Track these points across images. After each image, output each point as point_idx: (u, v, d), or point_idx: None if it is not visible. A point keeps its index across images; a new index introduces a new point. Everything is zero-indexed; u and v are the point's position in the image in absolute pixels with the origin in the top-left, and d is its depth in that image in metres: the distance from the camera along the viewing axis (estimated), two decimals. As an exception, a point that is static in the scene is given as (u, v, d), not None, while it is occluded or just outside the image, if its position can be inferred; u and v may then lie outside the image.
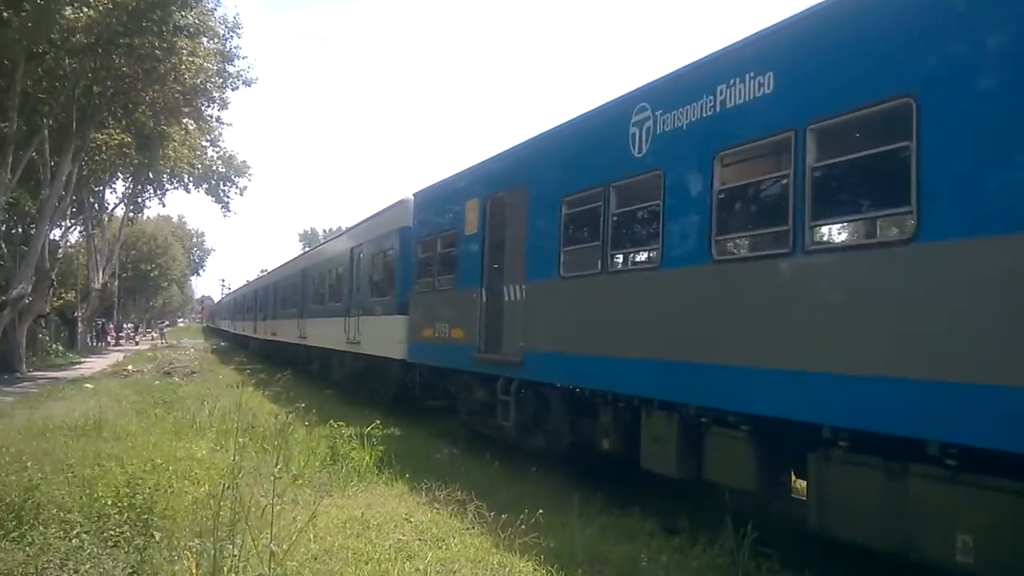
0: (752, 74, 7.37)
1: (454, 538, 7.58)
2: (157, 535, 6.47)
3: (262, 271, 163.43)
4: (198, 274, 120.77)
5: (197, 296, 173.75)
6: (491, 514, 8.03)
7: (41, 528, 6.72)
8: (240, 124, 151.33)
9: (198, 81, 31.15)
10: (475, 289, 13.13)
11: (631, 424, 9.53)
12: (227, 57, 34.35)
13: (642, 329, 8.86)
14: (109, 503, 7.21)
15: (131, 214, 53.48)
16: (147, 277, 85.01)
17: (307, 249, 48.55)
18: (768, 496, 7.97)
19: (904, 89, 5.89)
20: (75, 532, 6.64)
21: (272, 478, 7.01)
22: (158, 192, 47.84)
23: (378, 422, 10.93)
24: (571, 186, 10.46)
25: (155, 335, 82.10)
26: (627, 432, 9.62)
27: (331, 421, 11.35)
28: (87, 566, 5.97)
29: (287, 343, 33.94)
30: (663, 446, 8.77)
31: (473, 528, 7.96)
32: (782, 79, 7.08)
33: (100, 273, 47.60)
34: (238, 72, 35.33)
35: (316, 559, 6.18)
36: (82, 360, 40.61)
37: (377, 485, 9.99)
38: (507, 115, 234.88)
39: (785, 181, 6.90)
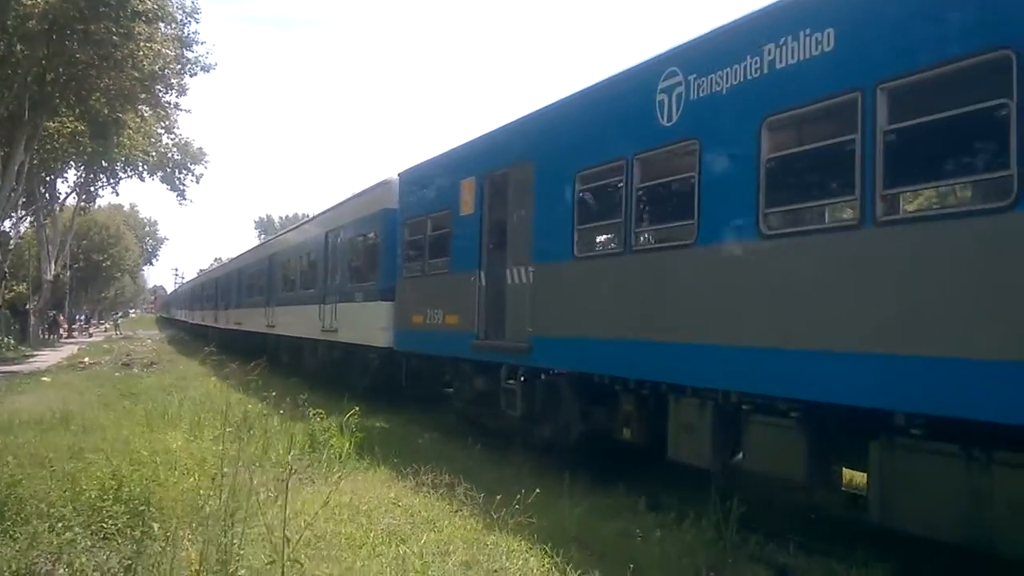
0: (808, 31, 6.78)
1: (445, 520, 7.55)
2: (155, 526, 6.30)
3: (216, 260, 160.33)
4: (151, 264, 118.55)
5: (150, 286, 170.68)
6: (480, 496, 7.96)
7: (27, 523, 6.55)
8: (196, 111, 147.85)
9: (156, 67, 30.77)
10: (472, 272, 12.44)
11: (656, 412, 8.96)
12: (185, 43, 34.04)
13: (674, 311, 8.26)
14: (94, 496, 7.09)
15: (83, 203, 52.18)
16: (99, 268, 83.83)
17: (271, 235, 47.15)
18: (816, 487, 7.44)
19: (1001, 42, 5.34)
20: (67, 526, 6.51)
21: (269, 465, 7.44)
22: (111, 181, 47.05)
23: (356, 409, 10.78)
24: (586, 160, 9.80)
25: (108, 326, 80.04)
26: (651, 421, 9.05)
27: (310, 409, 11.04)
28: (83, 559, 5.84)
29: (253, 332, 32.86)
30: (695, 436, 8.21)
31: (463, 510, 7.91)
32: (845, 36, 6.49)
33: (52, 264, 46.08)
34: (196, 58, 35.10)
35: (309, 545, 6.06)
36: (35, 353, 39.28)
37: (359, 471, 9.80)
38: (472, 108, 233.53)
39: (851, 147, 6.32)
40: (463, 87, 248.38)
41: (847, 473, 8.06)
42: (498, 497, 7.45)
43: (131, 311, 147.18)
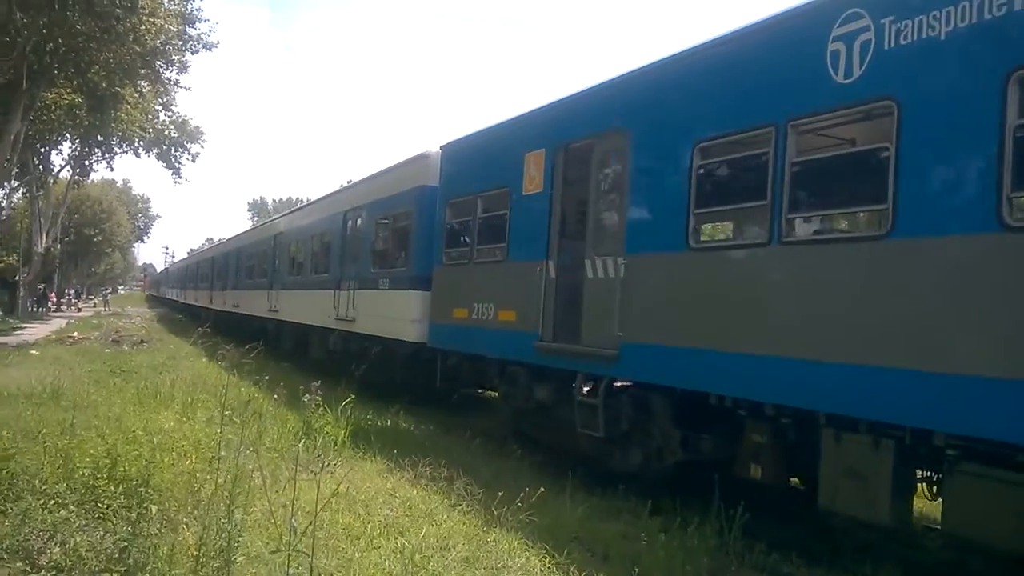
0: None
1: (443, 514, 7.45)
2: (153, 508, 6.08)
3: (208, 240, 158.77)
4: (142, 241, 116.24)
5: (139, 263, 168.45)
6: (480, 491, 7.93)
7: (19, 499, 6.39)
8: (195, 90, 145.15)
9: (158, 42, 30.19)
10: (538, 262, 10.53)
11: (799, 447, 7.12)
12: (188, 19, 33.40)
13: (851, 323, 6.36)
14: (87, 474, 6.97)
15: (78, 177, 50.82)
16: (90, 242, 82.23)
17: (269, 216, 44.97)
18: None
19: None
20: (61, 503, 6.37)
21: (263, 450, 7.32)
22: (106, 155, 46.01)
23: (352, 397, 10.41)
24: (711, 127, 7.90)
25: (97, 302, 78.10)
26: (792, 457, 7.21)
27: (307, 396, 9.68)
28: (77, 538, 5.73)
29: (253, 316, 30.86)
30: (866, 483, 6.34)
31: (461, 504, 7.79)
32: None
33: (43, 237, 44.05)
34: (199, 35, 34.51)
35: (305, 534, 5.51)
36: (24, 326, 37.77)
37: (355, 460, 9.57)
38: (474, 98, 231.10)
39: None
40: (463, 75, 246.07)
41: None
42: (500, 494, 7.28)
43: (120, 288, 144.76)
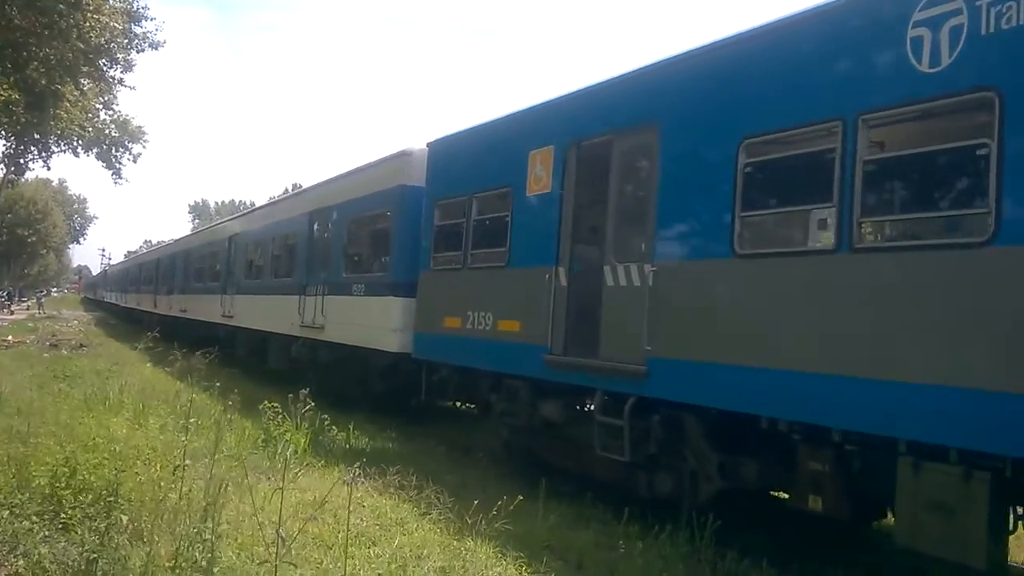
0: None
1: (414, 523, 7.41)
2: (124, 518, 5.89)
3: (146, 242, 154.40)
4: (78, 242, 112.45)
5: (74, 265, 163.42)
6: (450, 499, 7.84)
7: None
8: (138, 89, 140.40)
9: (102, 40, 29.32)
10: (546, 268, 9.72)
11: (867, 476, 6.44)
12: (134, 17, 32.70)
13: (948, 342, 5.68)
14: (43, 483, 6.72)
15: (12, 176, 48.40)
16: (23, 243, 79.33)
17: (230, 216, 43.14)
18: None
19: None
20: (22, 513, 6.17)
21: (222, 458, 7.17)
22: (43, 154, 43.55)
23: (312, 404, 9.48)
24: (760, 121, 7.17)
25: (31, 304, 75.17)
26: (859, 487, 6.52)
27: (267, 401, 9.98)
28: (41, 550, 5.57)
29: (202, 322, 29.45)
30: (955, 521, 5.67)
31: (431, 512, 7.68)
32: None
33: (-26, 238, 41.76)
34: (144, 33, 33.86)
35: (273, 544, 5.44)
36: None
37: (316, 468, 9.39)
38: (427, 107, 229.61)
39: None
40: (412, 83, 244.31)
41: None
42: (475, 502, 7.08)
43: (53, 290, 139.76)
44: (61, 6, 25.28)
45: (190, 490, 6.28)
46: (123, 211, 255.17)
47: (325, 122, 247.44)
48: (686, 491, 8.05)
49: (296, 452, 9.66)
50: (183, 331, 31.46)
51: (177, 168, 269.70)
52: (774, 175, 7.24)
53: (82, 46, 28.00)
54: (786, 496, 7.84)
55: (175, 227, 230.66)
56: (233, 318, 25.04)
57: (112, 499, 6.32)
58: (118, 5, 30.62)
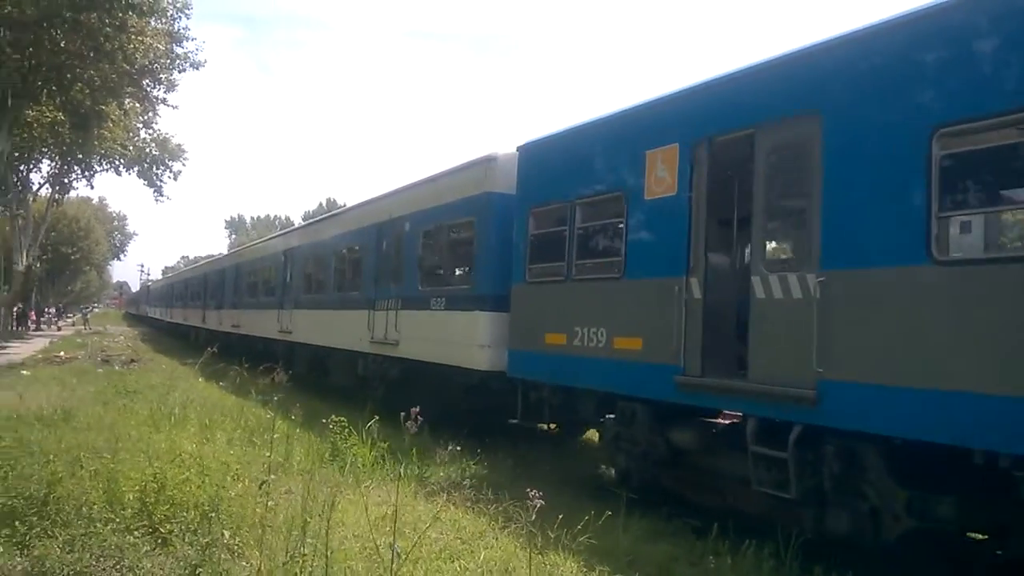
0: None
1: (493, 537, 7.35)
2: (226, 534, 5.95)
3: (183, 258, 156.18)
4: (118, 259, 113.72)
5: (114, 281, 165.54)
6: (528, 512, 7.04)
7: (68, 525, 6.34)
8: (179, 108, 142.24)
9: (146, 61, 30.51)
10: (674, 279, 8.76)
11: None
12: (175, 38, 33.59)
13: None
14: (133, 498, 6.87)
15: (58, 195, 49.33)
16: (67, 260, 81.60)
17: (284, 230, 42.69)
18: None
19: None
20: (125, 527, 6.30)
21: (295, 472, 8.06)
22: (86, 173, 45.86)
23: (377, 418, 9.83)
24: (960, 106, 6.18)
25: (76, 320, 76.17)
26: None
27: (332, 416, 9.77)
28: (147, 564, 5.72)
29: (257, 337, 28.84)
30: None
31: (509, 526, 7.47)
32: None
33: (24, 255, 41.74)
34: (185, 54, 34.84)
35: (350, 557, 5.73)
36: (6, 345, 36.53)
37: (386, 482, 9.19)
38: (461, 122, 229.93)
39: None
40: (443, 99, 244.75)
41: None
42: (560, 516, 6.79)
43: (95, 306, 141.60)
44: (108, 29, 26.03)
45: (276, 504, 6.45)
46: (159, 227, 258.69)
47: (357, 137, 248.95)
48: (867, 530, 7.02)
49: (365, 468, 9.60)
50: (236, 347, 30.94)
51: (212, 185, 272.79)
52: (982, 169, 6.23)
53: (127, 67, 29.04)
54: (984, 537, 6.85)
55: (211, 243, 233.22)
56: (292, 333, 24.37)
57: (213, 514, 6.40)
58: (160, 27, 31.48)
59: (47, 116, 33.58)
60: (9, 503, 6.85)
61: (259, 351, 26.44)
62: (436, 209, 15.06)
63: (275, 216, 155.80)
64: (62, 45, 27.01)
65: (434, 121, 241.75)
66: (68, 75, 28.83)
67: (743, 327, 8.21)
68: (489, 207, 13.07)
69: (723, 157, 8.56)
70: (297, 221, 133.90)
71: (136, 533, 6.21)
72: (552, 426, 14.38)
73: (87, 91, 30.00)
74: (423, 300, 15.15)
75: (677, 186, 8.91)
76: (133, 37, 27.77)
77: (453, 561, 6.39)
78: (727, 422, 9.63)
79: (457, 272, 14.74)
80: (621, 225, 9.76)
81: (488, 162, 13.25)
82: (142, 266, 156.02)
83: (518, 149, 12.35)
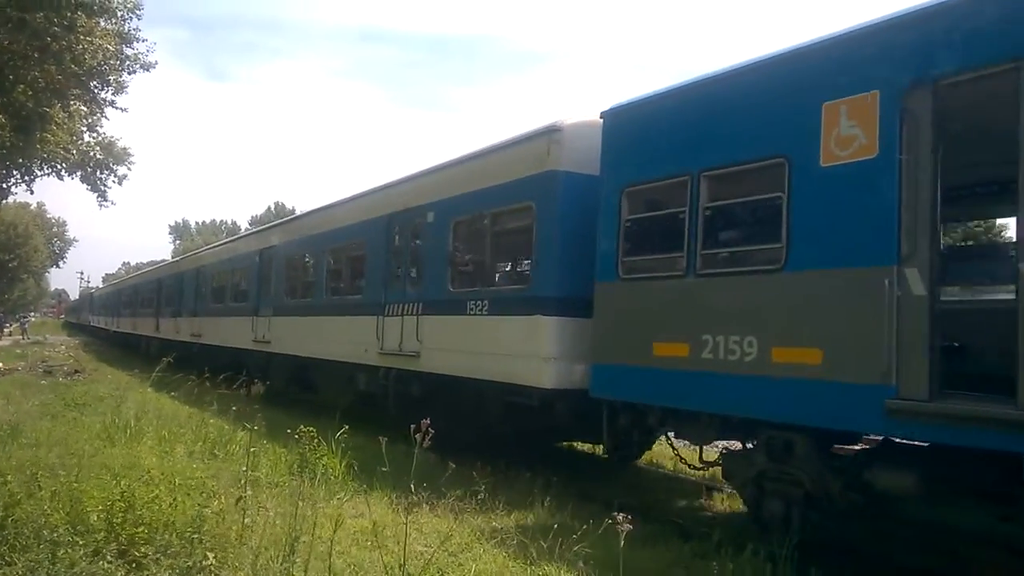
0: None
1: (480, 547, 7.12)
2: (211, 556, 5.64)
3: (125, 263, 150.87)
4: (58, 266, 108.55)
5: (52, 289, 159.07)
6: (511, 520, 7.95)
7: (27, 550, 5.78)
8: (117, 111, 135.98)
9: (95, 62, 29.40)
10: (879, 269, 6.50)
11: None
12: (125, 39, 32.40)
13: None
14: (95, 520, 6.34)
15: None
16: (4, 268, 79.00)
17: (259, 227, 39.29)
18: None
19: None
20: (96, 550, 5.82)
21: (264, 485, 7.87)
22: (26, 178, 42.16)
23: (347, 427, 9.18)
24: None
25: (12, 330, 72.19)
26: None
27: (300, 427, 9.04)
28: None
29: (223, 348, 25.97)
30: None
31: (495, 536, 7.46)
32: None
33: (-43, 264, 38.96)
34: (136, 55, 33.56)
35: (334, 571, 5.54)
36: None
37: (359, 493, 8.93)
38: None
39: None
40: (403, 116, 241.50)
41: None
42: (555, 526, 6.81)
43: (31, 315, 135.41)
44: (55, 28, 24.88)
45: (253, 522, 6.32)
46: (99, 233, 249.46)
47: (306, 142, 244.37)
48: None
49: (336, 479, 9.21)
50: (197, 358, 27.87)
51: (155, 190, 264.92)
52: None
53: (76, 68, 27.96)
54: None
55: (155, 249, 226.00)
56: (270, 344, 21.61)
57: (195, 535, 6.10)
58: (110, 27, 30.40)
59: (-15, 119, 32.78)
60: (-38, 528, 6.14)
61: (224, 363, 23.38)
62: (474, 195, 12.60)
63: (221, 221, 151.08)
64: (5, 44, 26.06)
65: (389, 127, 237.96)
66: (10, 76, 27.70)
67: (994, 334, 5.99)
68: (554, 189, 10.69)
69: (957, 105, 6.35)
70: (244, 226, 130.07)
71: (109, 558, 5.76)
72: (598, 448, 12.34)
73: (30, 93, 28.89)
74: (455, 304, 12.70)
75: (879, 146, 6.67)
76: (82, 38, 26.82)
77: (444, 574, 6.19)
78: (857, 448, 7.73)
79: (507, 270, 12.35)
80: (779, 201, 7.47)
81: (551, 133, 10.87)
82: (81, 273, 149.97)
83: (603, 115, 10.00)
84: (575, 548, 6.33)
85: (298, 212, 38.35)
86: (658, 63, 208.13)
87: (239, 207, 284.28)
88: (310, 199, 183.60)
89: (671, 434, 10.18)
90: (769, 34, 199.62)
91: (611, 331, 9.40)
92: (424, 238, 14.04)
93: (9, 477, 7.16)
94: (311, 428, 8.91)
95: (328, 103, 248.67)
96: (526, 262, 11.53)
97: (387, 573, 5.48)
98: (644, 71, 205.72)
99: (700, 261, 8.31)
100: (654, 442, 10.99)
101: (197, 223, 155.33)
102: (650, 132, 9.24)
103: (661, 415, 8.89)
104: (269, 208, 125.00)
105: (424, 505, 8.02)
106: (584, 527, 6.31)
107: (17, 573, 5.57)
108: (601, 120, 10.00)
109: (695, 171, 8.41)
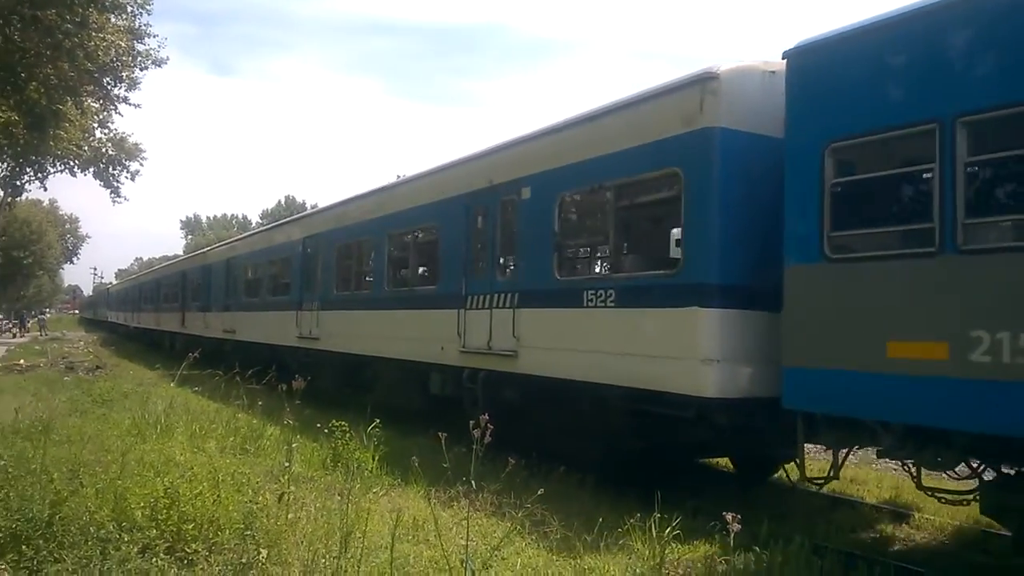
0: None
1: (523, 542, 7.12)
2: (264, 552, 5.66)
3: (137, 259, 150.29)
4: (71, 262, 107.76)
5: (66, 285, 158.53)
6: (555, 517, 7.61)
7: (77, 547, 5.80)
8: (130, 107, 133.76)
9: (108, 59, 29.28)
10: None
11: None
12: (136, 35, 32.21)
13: None
14: (140, 516, 6.36)
15: (10, 198, 47.71)
16: (19, 265, 78.54)
17: (299, 214, 37.17)
18: None
19: None
20: (149, 548, 5.86)
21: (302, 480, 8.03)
22: (39, 175, 41.75)
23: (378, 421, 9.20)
24: None
25: (32, 326, 72.14)
26: None
27: (332, 421, 9.72)
28: None
29: (261, 344, 24.08)
30: None
31: (537, 531, 7.39)
32: None
33: (-25, 261, 38.50)
34: (147, 51, 33.50)
35: (394, 567, 5.42)
36: None
37: (395, 488, 9.03)
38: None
39: None
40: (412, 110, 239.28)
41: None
42: (600, 519, 7.05)
43: (47, 311, 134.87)
44: (68, 25, 24.96)
45: (297, 517, 6.36)
46: (110, 229, 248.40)
47: (317, 135, 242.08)
48: None
49: (370, 473, 9.21)
50: (229, 355, 25.86)
51: (165, 185, 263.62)
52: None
53: (89, 65, 27.80)
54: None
55: (166, 244, 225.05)
56: (318, 340, 19.69)
57: (248, 532, 6.08)
58: (121, 23, 30.28)
59: (0, 117, 31.66)
60: (13, 526, 6.09)
61: (263, 361, 21.34)
62: (587, 164, 10.56)
63: (232, 215, 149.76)
64: (18, 42, 25.86)
65: (397, 119, 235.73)
66: (23, 74, 27.58)
67: None
68: (710, 151, 8.66)
69: None
70: (255, 220, 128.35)
71: (162, 555, 5.74)
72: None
73: (43, 90, 28.65)
74: (566, 294, 10.75)
75: None
76: (94, 34, 26.66)
77: (487, 569, 5.92)
78: None
79: (640, 253, 10.34)
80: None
81: (705, 82, 8.81)
82: (95, 269, 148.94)
83: (787, 55, 7.93)
84: (620, 542, 6.54)
85: (308, 207, 36.81)
86: (663, 50, 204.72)
87: (250, 201, 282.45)
88: (322, 193, 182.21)
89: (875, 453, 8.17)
90: (776, 25, 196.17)
91: (815, 326, 7.37)
92: (518, 219, 12.04)
93: (55, 475, 7.00)
94: (377, 423, 9.48)
95: (338, 97, 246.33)
96: (672, 243, 9.50)
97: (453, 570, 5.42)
98: (649, 59, 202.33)
99: (964, 235, 6.27)
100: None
101: (208, 218, 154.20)
102: (866, 71, 7.13)
103: (902, 434, 6.85)
104: (279, 202, 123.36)
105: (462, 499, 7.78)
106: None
107: (67, 570, 5.51)
108: (784, 62, 7.95)
109: (946, 117, 6.34)
